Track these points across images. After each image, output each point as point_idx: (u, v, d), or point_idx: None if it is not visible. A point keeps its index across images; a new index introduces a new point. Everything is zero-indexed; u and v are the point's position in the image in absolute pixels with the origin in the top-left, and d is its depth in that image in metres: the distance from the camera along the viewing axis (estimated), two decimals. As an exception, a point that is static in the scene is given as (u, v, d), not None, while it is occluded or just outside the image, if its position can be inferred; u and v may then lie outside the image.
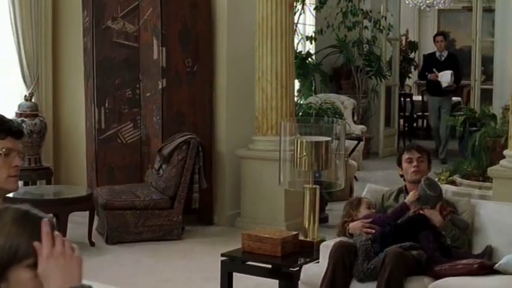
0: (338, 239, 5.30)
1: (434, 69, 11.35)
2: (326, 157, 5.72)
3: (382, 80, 11.82)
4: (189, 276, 6.49)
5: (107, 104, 8.08)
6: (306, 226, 5.83)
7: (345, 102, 11.33)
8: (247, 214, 7.92)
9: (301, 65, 11.16)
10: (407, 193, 5.51)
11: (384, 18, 11.65)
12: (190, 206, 7.50)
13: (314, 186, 5.82)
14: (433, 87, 11.65)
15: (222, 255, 5.55)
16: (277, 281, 5.52)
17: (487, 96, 12.37)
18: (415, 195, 5.27)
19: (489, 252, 5.22)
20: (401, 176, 5.70)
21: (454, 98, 14.43)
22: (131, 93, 8.05)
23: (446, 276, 4.95)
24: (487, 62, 13.69)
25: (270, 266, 5.48)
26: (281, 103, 7.76)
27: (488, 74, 13.98)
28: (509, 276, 4.87)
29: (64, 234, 6.68)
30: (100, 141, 8.11)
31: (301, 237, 5.75)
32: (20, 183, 8.22)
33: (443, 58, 11.77)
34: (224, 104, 8.02)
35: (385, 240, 5.12)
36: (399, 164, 5.69)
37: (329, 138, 5.76)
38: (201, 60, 7.96)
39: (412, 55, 14.09)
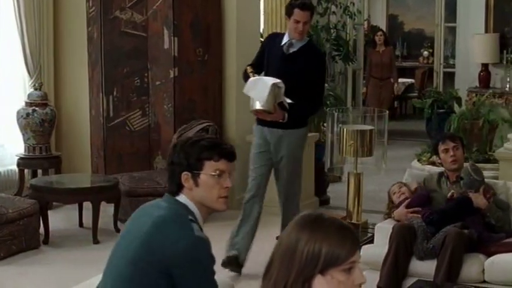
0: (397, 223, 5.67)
1: None
2: (370, 145, 6.08)
3: (350, 64, 12.23)
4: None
5: (115, 93, 8.26)
6: (351, 209, 6.18)
7: (317, 86, 11.68)
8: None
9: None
10: (448, 178, 5.93)
11: (352, 4, 12.03)
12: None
13: (358, 172, 6.17)
14: None
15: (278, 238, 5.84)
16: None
17: (446, 78, 12.94)
18: (485, 204, 5.62)
19: (529, 229, 5.71)
20: (440, 163, 6.15)
21: (407, 80, 15.02)
22: (139, 81, 8.25)
23: (500, 253, 5.41)
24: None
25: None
26: (290, 90, 8.06)
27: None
28: (555, 252, 5.35)
29: (97, 223, 6.93)
30: (108, 129, 8.30)
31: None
32: (27, 171, 8.38)
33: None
34: (234, 91, 8.29)
35: (438, 223, 5.53)
36: (436, 153, 6.13)
37: (373, 127, 6.13)
38: (211, 49, 8.21)
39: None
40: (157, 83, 8.18)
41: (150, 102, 8.26)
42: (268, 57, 6.20)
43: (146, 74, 8.22)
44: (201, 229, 3.20)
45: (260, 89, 5.80)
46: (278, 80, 5.80)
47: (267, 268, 2.32)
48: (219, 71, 8.26)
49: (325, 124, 9.48)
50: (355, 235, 2.30)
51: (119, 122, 8.28)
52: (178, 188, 3.27)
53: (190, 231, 3.12)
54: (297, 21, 6.07)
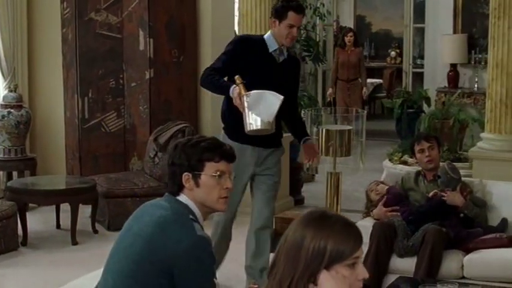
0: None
1: None
2: (349, 145, 6.16)
3: (320, 64, 12.36)
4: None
5: (90, 94, 8.28)
6: (330, 208, 6.24)
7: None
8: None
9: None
10: (425, 177, 6.04)
11: (322, 5, 12.18)
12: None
13: (337, 171, 6.24)
14: None
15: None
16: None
17: (414, 78, 13.09)
18: (462, 202, 5.73)
19: (504, 225, 5.83)
20: (417, 163, 6.26)
21: (375, 80, 15.16)
22: (115, 83, 8.28)
23: (478, 249, 5.53)
24: (402, 44, 14.45)
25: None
26: (264, 91, 8.13)
27: (403, 56, 14.75)
28: (532, 248, 5.49)
29: (75, 224, 6.94)
30: (83, 130, 8.31)
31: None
32: (1, 173, 8.37)
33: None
34: (209, 92, 8.30)
35: (416, 222, 5.64)
36: (413, 153, 6.24)
37: (351, 127, 6.20)
38: (187, 50, 8.26)
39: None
40: (133, 84, 8.21)
41: (125, 104, 8.29)
42: (251, 65, 5.38)
43: (121, 76, 8.25)
44: (202, 228, 3.26)
45: (266, 105, 5.11)
46: (281, 96, 5.16)
47: (272, 265, 2.38)
48: (195, 72, 8.30)
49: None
50: (358, 232, 2.37)
51: (94, 123, 8.30)
52: (179, 188, 3.32)
53: (193, 231, 3.17)
54: (291, 26, 5.38)
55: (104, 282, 3.36)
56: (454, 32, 11.62)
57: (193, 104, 8.36)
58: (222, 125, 5.82)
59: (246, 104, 5.08)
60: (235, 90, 5.12)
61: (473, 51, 11.43)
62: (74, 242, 7.12)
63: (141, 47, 8.09)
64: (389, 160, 10.19)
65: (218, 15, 8.40)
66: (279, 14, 5.42)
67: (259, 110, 5.09)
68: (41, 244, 7.15)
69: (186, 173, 3.28)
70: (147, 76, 8.09)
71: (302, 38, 12.05)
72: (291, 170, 8.56)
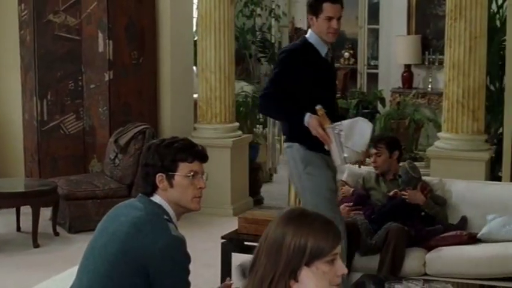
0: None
1: None
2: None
3: (275, 65, 12.42)
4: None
5: (49, 96, 8.26)
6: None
7: (244, 88, 11.82)
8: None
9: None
10: (384, 177, 6.14)
11: (277, 6, 12.24)
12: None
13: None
14: None
15: (222, 237, 5.95)
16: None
17: (369, 79, 13.20)
18: (423, 200, 5.83)
19: (464, 222, 5.95)
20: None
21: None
22: (74, 85, 8.27)
23: (439, 247, 5.64)
24: (356, 45, 14.56)
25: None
26: (224, 93, 8.20)
27: (356, 57, 14.86)
28: (490, 244, 5.60)
29: (36, 227, 6.92)
30: (42, 133, 8.29)
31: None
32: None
33: None
34: (168, 94, 8.39)
35: (378, 221, 5.73)
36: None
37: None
38: (146, 52, 8.28)
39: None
40: (92, 86, 8.20)
41: (84, 106, 8.28)
42: (309, 78, 5.02)
43: (80, 78, 8.24)
44: (177, 228, 3.30)
45: (359, 134, 4.82)
46: (370, 123, 4.94)
47: (252, 263, 2.43)
48: (154, 74, 8.33)
49: (258, 126, 9.67)
50: (336, 229, 2.43)
51: (53, 125, 8.29)
52: (152, 189, 3.35)
53: (168, 231, 3.22)
54: (330, 18, 4.94)
55: (79, 282, 3.38)
56: (408, 33, 11.77)
57: (153, 105, 8.38)
58: (288, 139, 5.28)
59: (334, 137, 4.76)
60: (313, 120, 4.79)
61: (427, 52, 11.58)
62: (36, 245, 7.09)
63: (100, 49, 8.08)
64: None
65: (177, 17, 8.44)
66: (313, 8, 5.03)
67: (353, 141, 4.80)
68: (2, 247, 7.11)
69: (159, 174, 3.32)
70: (107, 78, 8.09)
71: (258, 40, 12.13)
72: (250, 170, 8.62)
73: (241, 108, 9.21)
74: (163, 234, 3.20)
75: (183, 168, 3.33)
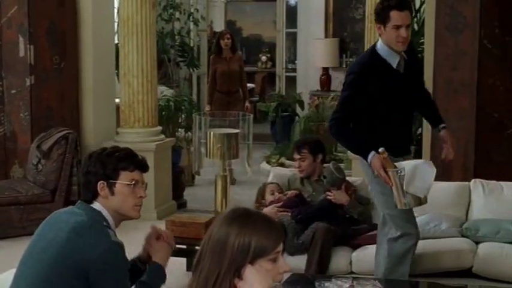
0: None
1: None
2: (236, 148, 6.31)
3: (194, 69, 12.49)
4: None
5: (-32, 102, 8.15)
6: (219, 210, 6.36)
7: (164, 92, 11.83)
8: (117, 203, 8.29)
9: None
10: (309, 178, 6.28)
11: (196, 10, 12.31)
12: (70, 198, 7.78)
13: (225, 174, 6.37)
14: None
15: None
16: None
17: (287, 82, 13.37)
18: (347, 200, 5.96)
19: (386, 222, 6.10)
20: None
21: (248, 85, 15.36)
22: (-6, 90, 8.17)
23: (364, 246, 5.78)
24: (273, 48, 14.76)
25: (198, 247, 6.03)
26: (147, 97, 8.21)
27: (273, 60, 15.06)
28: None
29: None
30: (-39, 139, 8.17)
31: (216, 221, 6.30)
32: None
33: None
34: (91, 98, 8.36)
35: (305, 222, 5.84)
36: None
37: (238, 131, 6.35)
38: (68, 57, 8.22)
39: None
40: (13, 91, 8.11)
41: (5, 111, 8.17)
42: (380, 93, 4.91)
43: (1, 83, 8.13)
44: (115, 235, 3.36)
45: (421, 179, 4.72)
46: (433, 166, 4.81)
47: (196, 262, 2.49)
48: (76, 79, 8.28)
49: (179, 130, 9.71)
50: (279, 228, 2.52)
51: (-27, 132, 8.17)
52: (93, 196, 3.43)
53: (108, 237, 3.31)
54: (398, 27, 4.77)
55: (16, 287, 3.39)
56: (326, 36, 11.97)
57: (75, 110, 8.33)
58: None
59: (395, 180, 4.70)
60: (376, 160, 4.77)
61: (344, 55, 11.79)
62: (-43, 253, 6.99)
63: (21, 54, 8.00)
64: (267, 162, 10.45)
65: (99, 21, 8.42)
66: (380, 17, 4.88)
67: (415, 186, 4.71)
68: None
69: (101, 182, 3.40)
70: (28, 83, 8.01)
71: (177, 44, 12.17)
72: (173, 174, 8.64)
73: (163, 113, 9.22)
74: (103, 240, 3.27)
75: (125, 177, 3.42)
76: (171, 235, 3.69)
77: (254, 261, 2.41)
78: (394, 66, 4.92)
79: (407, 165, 4.74)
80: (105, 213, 3.41)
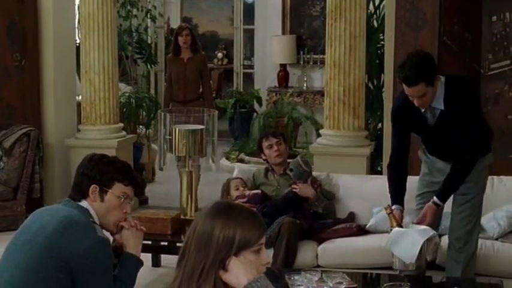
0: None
1: None
2: (201, 144, 6.35)
3: (152, 66, 12.48)
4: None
5: None
6: (185, 206, 6.40)
7: (123, 89, 11.81)
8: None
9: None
10: (274, 172, 6.35)
11: (154, 7, 12.29)
12: (32, 195, 7.78)
13: (190, 169, 6.41)
14: None
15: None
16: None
17: (244, 79, 13.42)
18: (313, 194, 6.06)
19: (352, 217, 6.21)
20: (265, 160, 6.52)
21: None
22: (-47, 89, 8.12)
23: (330, 239, 5.87)
24: (229, 45, 14.79)
25: (165, 243, 6.11)
26: (108, 94, 8.21)
27: (229, 57, 15.09)
28: (378, 235, 5.85)
29: None
30: None
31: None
32: None
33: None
34: (52, 96, 8.32)
35: (271, 215, 5.90)
36: (261, 150, 6.50)
37: (203, 127, 6.40)
38: (29, 54, 8.19)
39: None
40: (-27, 89, 8.08)
41: (-35, 110, 8.14)
42: (414, 129, 5.09)
43: (-39, 81, 8.10)
44: (102, 231, 3.42)
45: (407, 246, 4.67)
46: (431, 232, 4.72)
47: (181, 255, 2.55)
48: (37, 76, 8.25)
49: (140, 127, 9.72)
50: (262, 220, 2.60)
51: None
52: (82, 196, 3.49)
53: (94, 232, 3.37)
54: (411, 96, 4.78)
55: (-2, 279, 3.43)
56: (283, 33, 12.03)
57: (37, 108, 8.29)
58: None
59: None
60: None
61: (301, 52, 11.87)
62: None
63: (-19, 52, 7.98)
64: (227, 159, 10.50)
65: (59, 18, 8.38)
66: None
67: (400, 250, 4.72)
68: None
69: (94, 185, 3.46)
70: (-12, 81, 7.99)
71: (134, 41, 12.14)
72: (134, 170, 8.64)
73: (124, 110, 9.23)
74: (89, 234, 3.33)
75: (118, 188, 3.49)
76: (135, 220, 3.70)
77: (238, 253, 2.48)
78: (422, 110, 4.89)
79: (397, 230, 4.76)
80: (91, 211, 3.48)
